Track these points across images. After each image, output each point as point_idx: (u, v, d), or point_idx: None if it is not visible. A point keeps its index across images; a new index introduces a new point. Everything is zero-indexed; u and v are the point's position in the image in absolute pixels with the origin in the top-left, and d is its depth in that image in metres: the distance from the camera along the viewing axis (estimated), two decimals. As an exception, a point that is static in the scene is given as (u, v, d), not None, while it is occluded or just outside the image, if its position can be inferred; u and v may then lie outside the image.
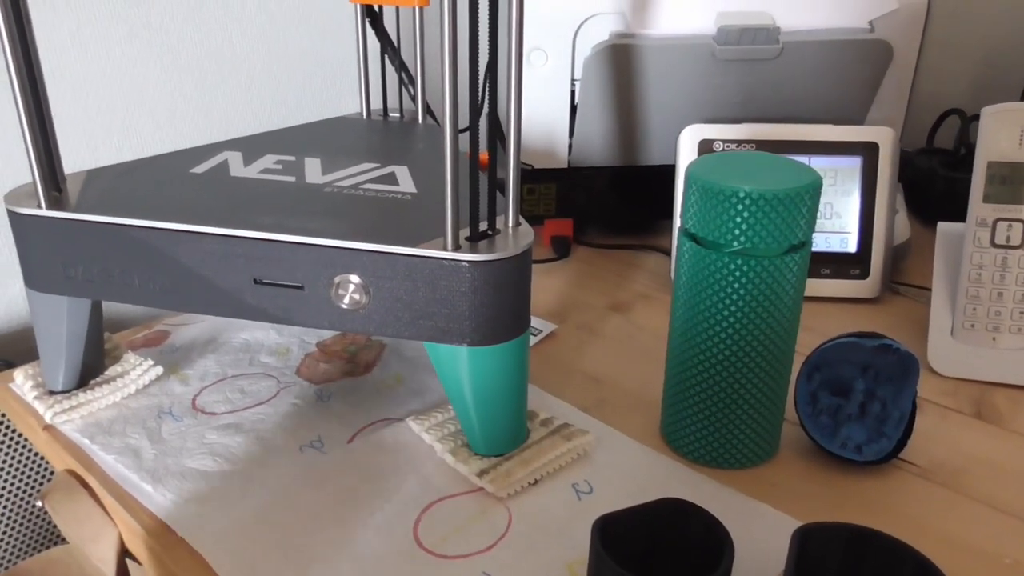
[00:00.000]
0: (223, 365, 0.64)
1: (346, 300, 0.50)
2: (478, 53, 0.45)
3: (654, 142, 0.81)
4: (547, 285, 0.79)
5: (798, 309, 0.52)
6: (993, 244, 0.62)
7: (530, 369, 0.64)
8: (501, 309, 0.50)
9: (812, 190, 0.48)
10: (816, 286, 0.75)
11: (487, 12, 0.46)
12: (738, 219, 0.48)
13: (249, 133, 0.68)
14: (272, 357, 0.65)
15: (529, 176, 0.84)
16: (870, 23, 0.79)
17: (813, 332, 0.70)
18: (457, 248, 0.48)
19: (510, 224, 0.51)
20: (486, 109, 0.49)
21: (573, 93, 0.81)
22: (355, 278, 0.50)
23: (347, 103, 0.82)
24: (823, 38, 0.76)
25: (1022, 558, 0.47)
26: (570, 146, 0.83)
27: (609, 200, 0.86)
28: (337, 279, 0.50)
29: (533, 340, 0.69)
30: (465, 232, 0.50)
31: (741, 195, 0.47)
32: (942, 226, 0.67)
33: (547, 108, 0.81)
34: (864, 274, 0.74)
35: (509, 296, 0.50)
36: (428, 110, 0.75)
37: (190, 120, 0.84)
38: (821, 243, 0.75)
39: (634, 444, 0.56)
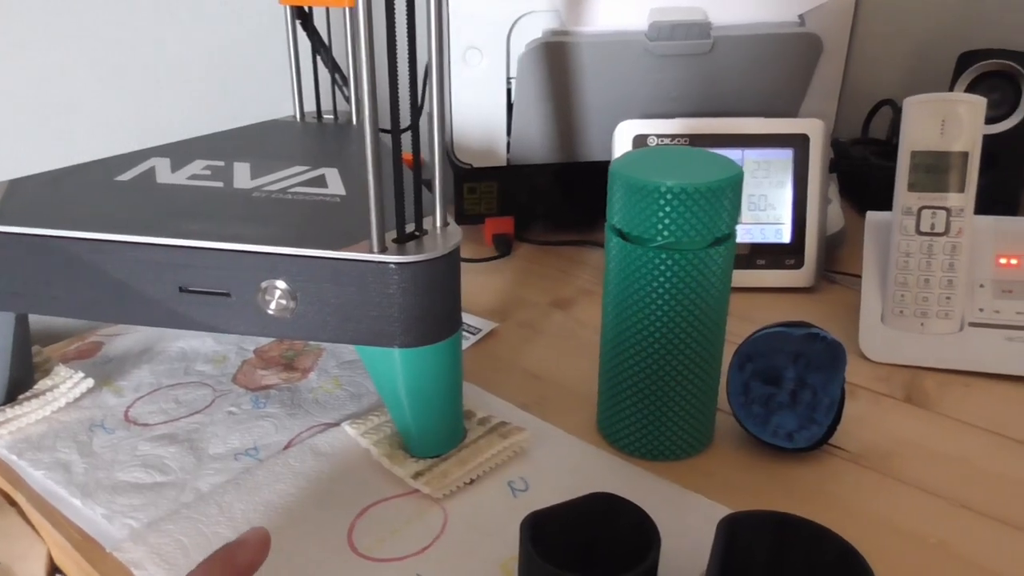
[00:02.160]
0: (158, 375, 0.63)
1: (273, 306, 0.50)
2: (395, 52, 0.45)
3: (592, 138, 0.81)
4: (489, 283, 0.79)
5: (725, 300, 0.52)
6: (919, 232, 0.64)
7: (470, 368, 0.64)
8: (431, 310, 0.50)
9: (733, 183, 0.49)
10: (752, 276, 0.76)
11: (404, 11, 0.46)
12: (661, 214, 0.48)
13: (185, 138, 0.67)
14: (209, 365, 0.64)
15: (469, 175, 0.84)
16: (800, 16, 0.80)
17: (750, 322, 0.70)
18: (383, 250, 0.48)
19: (438, 224, 0.51)
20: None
21: (510, 91, 0.81)
22: (281, 283, 0.49)
23: (283, 106, 0.81)
24: (753, 32, 0.77)
25: (947, 538, 0.48)
26: (509, 144, 0.83)
27: (550, 197, 0.87)
28: (263, 285, 0.49)
29: (473, 339, 0.69)
30: (393, 234, 0.49)
31: (663, 190, 0.48)
32: (871, 215, 0.68)
33: (485, 107, 0.81)
34: (799, 264, 0.75)
35: (438, 297, 0.50)
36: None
37: (125, 126, 0.83)
38: (756, 234, 0.76)
39: (572, 440, 0.56)
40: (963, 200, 0.63)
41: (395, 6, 0.45)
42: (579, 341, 0.69)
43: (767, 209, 0.75)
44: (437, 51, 0.47)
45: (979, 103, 0.62)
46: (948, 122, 0.62)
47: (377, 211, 0.47)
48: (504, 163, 0.84)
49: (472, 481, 0.52)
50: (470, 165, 0.84)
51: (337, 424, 0.57)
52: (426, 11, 0.47)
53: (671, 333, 0.51)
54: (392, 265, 0.48)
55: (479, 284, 0.79)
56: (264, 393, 0.61)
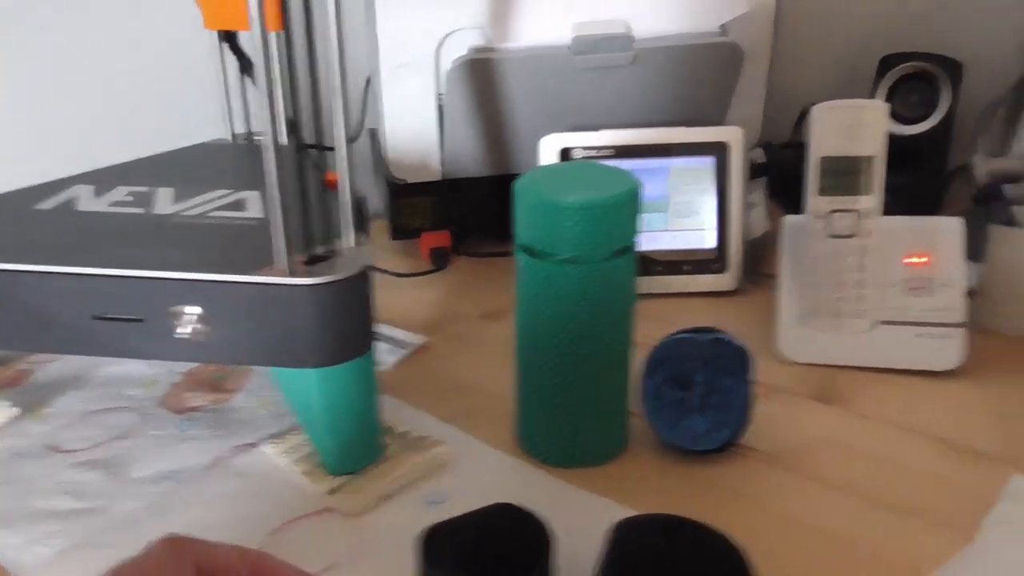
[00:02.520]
0: (85, 401, 0.63)
1: (187, 331, 0.50)
2: (289, 72, 0.46)
3: (524, 150, 0.83)
4: (423, 298, 0.80)
5: (631, 308, 0.54)
6: (830, 234, 0.65)
7: (397, 383, 0.65)
8: (343, 329, 0.51)
9: (632, 196, 0.51)
10: (678, 282, 0.77)
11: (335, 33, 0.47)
12: (566, 230, 0.50)
13: (114, 163, 0.68)
14: (139, 389, 0.65)
15: (404, 190, 0.85)
16: (722, 26, 0.81)
17: (674, 326, 0.71)
18: (293, 273, 0.49)
19: (350, 244, 0.52)
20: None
21: (442, 107, 0.82)
22: (194, 308, 0.50)
23: (214, 128, 0.82)
24: (675, 43, 0.79)
25: (856, 533, 0.50)
26: (442, 158, 0.84)
27: (486, 209, 0.88)
28: (175, 310, 0.50)
29: (402, 354, 0.70)
30: (304, 256, 0.50)
31: (567, 207, 0.49)
32: (787, 219, 0.70)
33: (417, 122, 0.82)
34: (722, 268, 0.77)
35: (349, 316, 0.51)
36: (294, 131, 0.76)
37: (52, 153, 0.83)
38: (681, 241, 0.77)
39: (492, 452, 0.58)
40: (871, 202, 0.64)
41: (315, 28, 0.46)
42: (509, 353, 0.70)
43: (691, 216, 0.77)
44: (340, 67, 0.48)
45: (882, 108, 0.63)
46: (854, 128, 0.64)
47: (284, 234, 0.49)
48: (439, 177, 0.85)
49: (389, 497, 0.53)
50: (405, 180, 0.85)
51: (257, 444, 0.58)
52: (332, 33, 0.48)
53: (579, 342, 0.52)
54: (302, 288, 0.49)
55: (413, 298, 0.80)
56: (189, 416, 0.62)
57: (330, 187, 0.76)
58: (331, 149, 0.50)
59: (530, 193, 0.51)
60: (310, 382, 0.52)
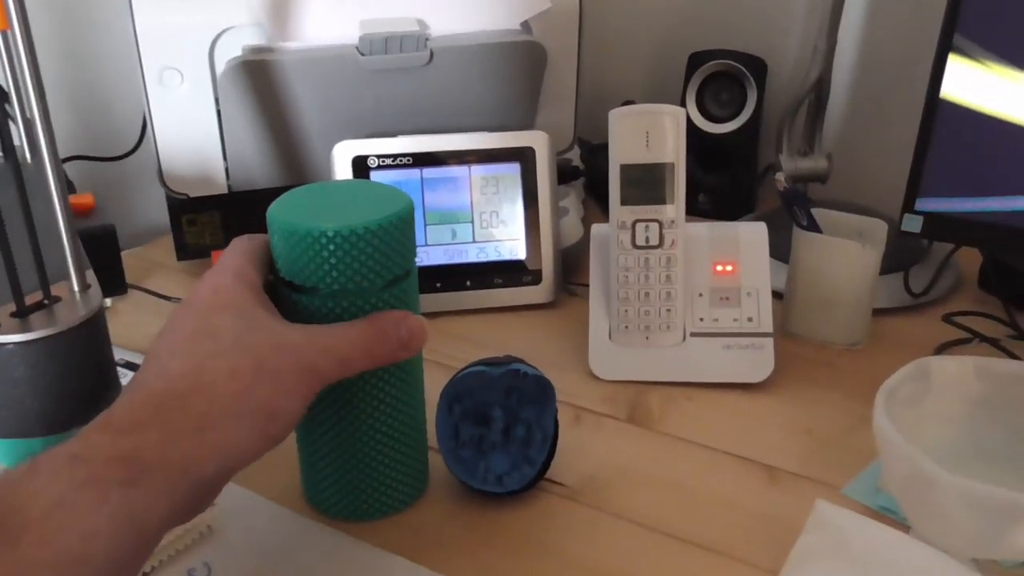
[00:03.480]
0: None
1: None
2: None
3: (316, 159, 0.76)
4: (211, 325, 0.72)
5: None
6: (635, 245, 0.62)
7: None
8: (75, 387, 0.43)
9: (403, 217, 0.45)
10: (490, 296, 0.73)
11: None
12: (326, 260, 0.44)
13: None
14: None
15: (187, 206, 0.77)
16: (524, 24, 0.77)
17: (485, 347, 0.67)
18: (-2, 327, 0.41)
19: (75, 288, 0.45)
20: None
21: (220, 112, 0.74)
22: None
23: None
24: (473, 42, 0.74)
25: (649, 571, 0.47)
26: (227, 170, 0.76)
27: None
28: None
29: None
30: (10, 307, 0.42)
31: (324, 235, 0.43)
32: (595, 228, 0.67)
33: (193, 132, 0.74)
34: (536, 280, 0.73)
35: (82, 371, 0.43)
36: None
37: None
38: (491, 252, 0.73)
39: (272, 508, 0.51)
40: (674, 211, 0.62)
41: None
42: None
43: (499, 226, 0.73)
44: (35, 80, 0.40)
45: (679, 114, 0.61)
46: (652, 134, 0.61)
47: (-19, 282, 0.40)
48: (225, 190, 0.77)
49: (147, 574, 0.46)
50: (186, 195, 0.76)
51: None
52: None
53: (357, 383, 0.46)
54: (10, 346, 0.41)
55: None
56: None
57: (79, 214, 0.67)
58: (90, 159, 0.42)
59: (283, 221, 0.44)
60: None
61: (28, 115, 0.51)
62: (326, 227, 0.43)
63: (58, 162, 0.42)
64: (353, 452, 0.48)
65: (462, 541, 0.49)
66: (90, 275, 0.45)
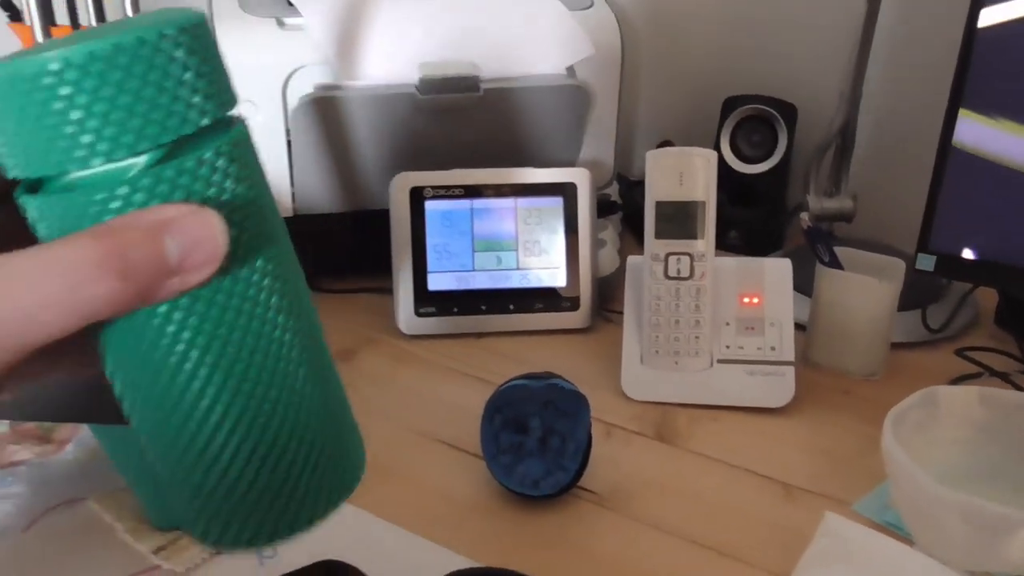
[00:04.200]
0: None
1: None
2: None
3: (375, 187, 0.82)
4: (273, 337, 0.79)
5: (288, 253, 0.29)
6: (667, 276, 0.68)
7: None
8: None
9: (185, 26, 0.25)
10: (531, 320, 0.78)
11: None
12: (56, 113, 0.23)
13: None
14: (-46, 444, 0.61)
15: (254, 227, 0.83)
16: (569, 68, 0.83)
17: (528, 366, 0.72)
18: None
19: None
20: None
21: (290, 143, 0.81)
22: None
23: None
24: (522, 84, 0.80)
25: (670, 572, 0.52)
26: (293, 194, 0.83)
27: (340, 245, 0.87)
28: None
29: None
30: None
31: (41, 68, 0.23)
32: (631, 259, 0.72)
33: (264, 158, 0.80)
34: (574, 306, 0.79)
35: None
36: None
37: None
38: (533, 279, 0.78)
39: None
40: (704, 246, 0.67)
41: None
42: (362, 392, 0.70)
43: (541, 255, 0.78)
44: None
45: (711, 156, 0.66)
46: (685, 174, 0.66)
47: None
48: (291, 213, 0.84)
49: (218, 552, 0.52)
50: (255, 217, 0.83)
51: (84, 499, 0.55)
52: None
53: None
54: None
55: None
56: (11, 470, 0.58)
57: None
58: None
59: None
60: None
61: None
62: (48, 55, 0.23)
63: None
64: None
65: (500, 535, 0.54)
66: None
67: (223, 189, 0.26)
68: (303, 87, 0.78)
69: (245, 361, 0.26)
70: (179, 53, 0.25)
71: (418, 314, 0.77)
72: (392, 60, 0.79)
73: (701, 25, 1.04)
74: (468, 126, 0.80)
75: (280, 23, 0.79)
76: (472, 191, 0.77)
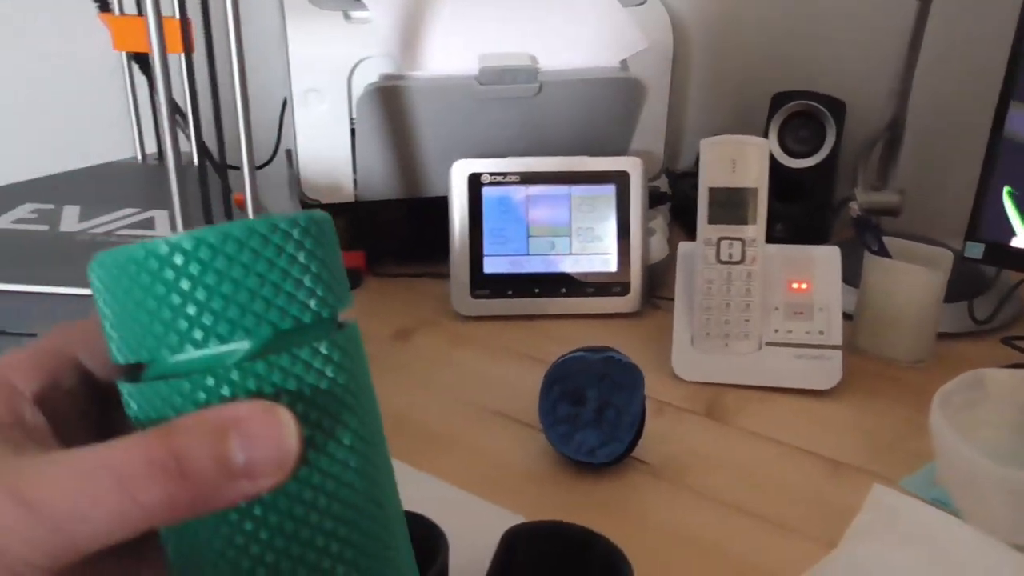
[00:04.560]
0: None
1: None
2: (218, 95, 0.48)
3: (433, 175, 0.85)
4: (334, 317, 0.82)
5: (372, 412, 0.27)
6: (719, 260, 0.70)
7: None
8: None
9: (297, 222, 0.25)
10: (582, 304, 0.81)
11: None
12: (171, 296, 0.24)
13: (19, 180, 0.68)
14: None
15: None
16: (622, 62, 0.86)
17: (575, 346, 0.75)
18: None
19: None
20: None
21: (354, 131, 0.84)
22: (97, 324, 0.51)
23: (123, 148, 0.82)
24: (578, 77, 0.83)
25: (728, 541, 0.54)
26: (355, 181, 0.86)
27: (399, 230, 0.90)
28: (78, 326, 0.51)
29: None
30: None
31: (163, 250, 0.24)
32: (682, 246, 0.74)
33: (329, 146, 0.84)
34: (625, 291, 0.81)
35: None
36: (204, 151, 0.77)
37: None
38: (585, 264, 0.81)
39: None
40: (756, 231, 0.69)
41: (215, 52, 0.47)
42: (420, 373, 0.73)
43: (594, 241, 0.81)
44: (241, 90, 0.50)
45: (764, 144, 0.68)
46: (738, 162, 0.68)
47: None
48: (352, 199, 0.87)
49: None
50: (318, 202, 0.86)
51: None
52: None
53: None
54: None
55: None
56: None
57: (238, 207, 0.77)
58: (237, 169, 0.51)
59: (109, 257, 0.25)
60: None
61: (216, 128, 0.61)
62: (163, 240, 0.24)
63: (252, 168, 0.52)
64: None
65: (558, 499, 0.57)
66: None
67: (317, 389, 0.24)
68: (368, 77, 0.81)
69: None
70: (289, 247, 0.24)
71: (474, 296, 0.80)
72: (453, 52, 0.82)
73: (751, 21, 1.06)
74: (525, 116, 0.83)
75: (347, 16, 0.83)
76: (528, 178, 0.79)
